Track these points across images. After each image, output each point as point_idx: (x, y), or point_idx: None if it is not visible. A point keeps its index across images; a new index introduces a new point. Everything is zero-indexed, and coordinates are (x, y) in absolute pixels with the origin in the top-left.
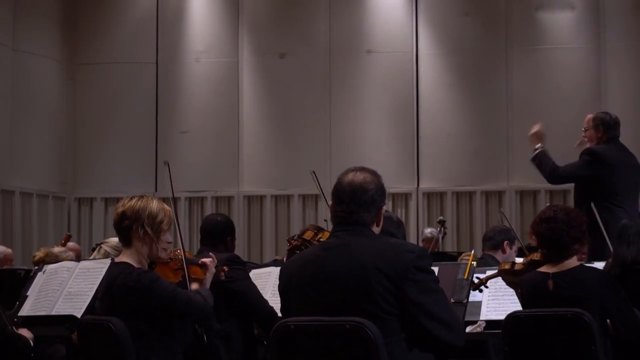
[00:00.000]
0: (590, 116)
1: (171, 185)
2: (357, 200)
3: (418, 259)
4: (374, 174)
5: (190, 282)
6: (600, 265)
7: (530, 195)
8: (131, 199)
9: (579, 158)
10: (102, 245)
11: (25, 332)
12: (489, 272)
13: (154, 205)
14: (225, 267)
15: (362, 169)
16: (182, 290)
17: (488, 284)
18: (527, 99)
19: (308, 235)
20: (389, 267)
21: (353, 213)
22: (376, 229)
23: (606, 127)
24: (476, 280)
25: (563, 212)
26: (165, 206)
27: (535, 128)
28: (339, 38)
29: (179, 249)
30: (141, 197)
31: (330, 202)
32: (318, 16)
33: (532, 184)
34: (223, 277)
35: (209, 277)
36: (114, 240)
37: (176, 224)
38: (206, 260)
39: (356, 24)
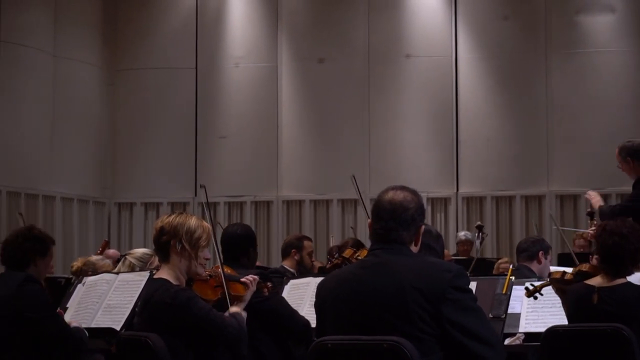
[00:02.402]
0: (616, 150)
1: (208, 209)
2: (397, 219)
3: (455, 278)
4: (414, 193)
5: (230, 300)
6: None
7: (570, 200)
8: (170, 215)
9: (633, 188)
10: (127, 257)
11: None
12: (538, 282)
13: (193, 221)
14: (269, 283)
15: (403, 188)
16: (217, 312)
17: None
18: (566, 103)
19: (347, 253)
20: (426, 287)
21: (392, 231)
22: (414, 249)
23: (633, 155)
24: (531, 287)
25: (636, 233)
26: (204, 223)
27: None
28: (378, 43)
29: (218, 266)
30: (180, 213)
31: (369, 219)
32: (357, 21)
33: (573, 188)
34: (267, 293)
35: (248, 295)
36: (140, 251)
37: (214, 242)
38: (249, 277)
39: (395, 28)
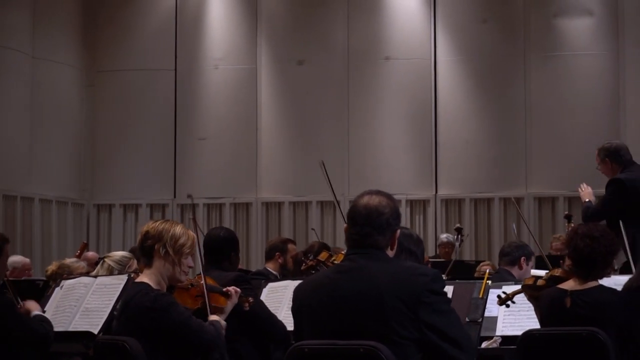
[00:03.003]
0: (595, 152)
1: (194, 218)
2: (372, 223)
3: (432, 282)
4: (389, 197)
5: (210, 310)
6: (623, 278)
7: (548, 202)
8: (156, 220)
9: (605, 189)
10: (106, 260)
11: (33, 306)
12: (508, 288)
13: (178, 228)
14: (250, 299)
15: (378, 192)
16: (196, 319)
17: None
18: (545, 105)
19: (323, 256)
20: (403, 291)
21: (368, 236)
22: (390, 253)
23: (611, 157)
24: (503, 295)
25: (608, 237)
26: (190, 232)
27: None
28: (357, 45)
29: (200, 276)
30: (167, 220)
31: (345, 224)
32: (336, 23)
33: (551, 190)
34: (247, 308)
35: (229, 307)
36: (118, 254)
37: (199, 252)
38: (230, 289)
39: (374, 30)
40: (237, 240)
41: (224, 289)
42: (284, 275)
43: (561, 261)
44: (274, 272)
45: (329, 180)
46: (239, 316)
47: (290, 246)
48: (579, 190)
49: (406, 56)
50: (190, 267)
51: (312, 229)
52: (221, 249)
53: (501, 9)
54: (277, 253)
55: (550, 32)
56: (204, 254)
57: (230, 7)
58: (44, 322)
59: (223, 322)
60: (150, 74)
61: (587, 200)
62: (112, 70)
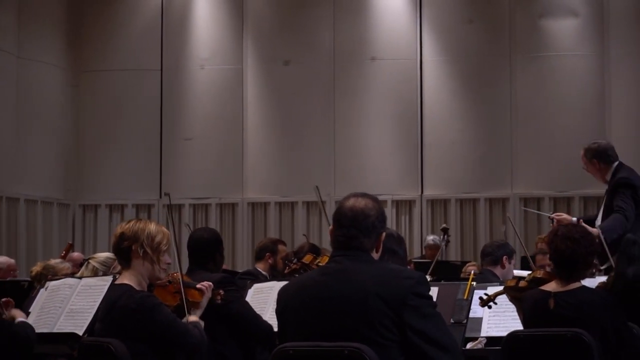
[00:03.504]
0: (582, 152)
1: (171, 215)
2: (358, 226)
3: (417, 285)
4: (375, 200)
5: (187, 306)
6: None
7: (534, 202)
8: (129, 221)
9: (614, 192)
10: (90, 261)
11: (18, 313)
12: (493, 289)
13: (153, 226)
14: (221, 291)
15: (364, 195)
16: (180, 321)
17: (496, 300)
18: (530, 106)
19: (307, 259)
20: (388, 294)
21: (353, 238)
22: (375, 255)
23: (598, 157)
24: (485, 297)
25: (588, 238)
26: (164, 228)
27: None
28: (343, 45)
29: (177, 272)
30: (139, 219)
31: (330, 226)
32: (322, 24)
33: (536, 190)
34: (219, 301)
35: (205, 301)
36: (103, 255)
37: (175, 248)
38: (204, 283)
39: (360, 31)
40: (221, 241)
41: (198, 285)
42: (274, 275)
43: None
44: (264, 273)
45: (322, 204)
46: (225, 316)
47: (280, 247)
48: (555, 219)
49: (392, 57)
50: (168, 263)
51: (304, 234)
52: (205, 250)
53: (487, 9)
54: (267, 254)
55: (536, 32)
56: (189, 255)
57: (216, 7)
58: (27, 327)
59: (201, 322)
60: (136, 74)
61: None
62: (97, 70)
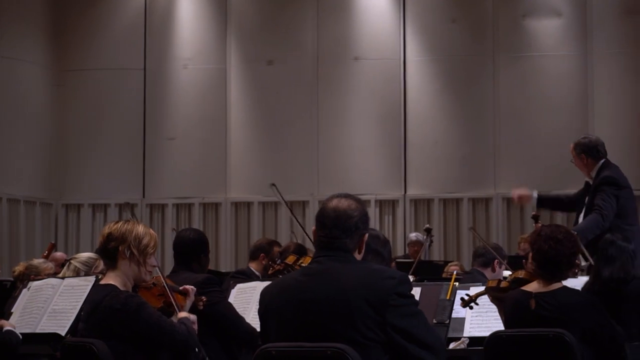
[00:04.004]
0: (571, 146)
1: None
2: (341, 226)
3: (399, 284)
4: (358, 201)
5: (177, 304)
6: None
7: None
8: (117, 222)
9: (597, 190)
10: (72, 261)
11: (7, 324)
12: (476, 289)
13: (140, 228)
14: (203, 298)
15: (347, 196)
16: (167, 319)
17: (477, 300)
18: (513, 106)
19: (290, 259)
20: (370, 294)
21: (336, 239)
22: (358, 256)
23: (587, 152)
24: (466, 297)
25: (571, 238)
26: (151, 230)
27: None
28: (327, 45)
29: (159, 275)
30: (127, 221)
31: (313, 227)
32: (306, 23)
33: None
34: (201, 307)
35: (188, 304)
36: (85, 255)
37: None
38: (187, 287)
39: (344, 31)
40: (206, 242)
41: (181, 288)
42: (266, 277)
43: (523, 260)
44: (257, 273)
45: (285, 200)
46: (208, 316)
47: (275, 249)
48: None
49: (375, 56)
50: (154, 266)
51: (292, 232)
52: (190, 251)
53: (470, 9)
54: (261, 254)
55: (519, 32)
56: (174, 255)
57: (200, 7)
58: (12, 335)
59: (192, 316)
60: (119, 73)
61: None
62: (81, 70)
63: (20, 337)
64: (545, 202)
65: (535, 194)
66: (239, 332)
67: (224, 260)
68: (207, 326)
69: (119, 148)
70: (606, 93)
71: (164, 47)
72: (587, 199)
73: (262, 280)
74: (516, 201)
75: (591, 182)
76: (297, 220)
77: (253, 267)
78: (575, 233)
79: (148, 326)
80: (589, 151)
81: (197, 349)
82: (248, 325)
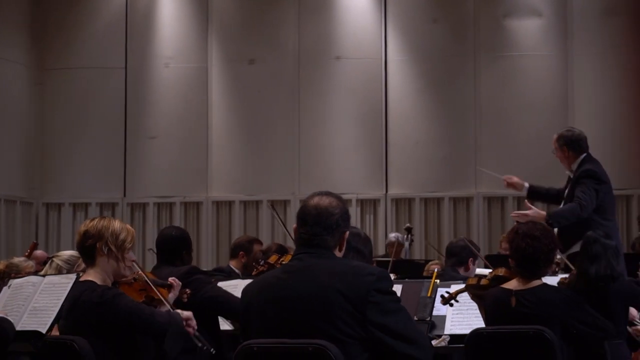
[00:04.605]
0: (554, 137)
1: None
2: (322, 223)
3: (378, 281)
4: (339, 199)
5: (156, 303)
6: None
7: (497, 202)
8: (93, 219)
9: (577, 182)
10: (54, 259)
11: None
12: (456, 287)
13: (117, 224)
14: (187, 290)
15: (328, 194)
16: (146, 306)
17: (457, 298)
18: (494, 105)
19: (272, 259)
20: (350, 291)
21: (317, 236)
22: (339, 254)
23: (570, 145)
24: (446, 295)
25: (548, 235)
26: (128, 226)
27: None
28: (308, 44)
29: (139, 270)
30: (103, 217)
31: (294, 225)
32: (287, 23)
33: (500, 190)
34: (185, 300)
35: (172, 298)
36: (67, 253)
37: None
38: (172, 280)
39: (325, 30)
40: (189, 240)
41: (167, 281)
42: (246, 275)
43: (510, 259)
44: (237, 270)
45: (283, 222)
46: (195, 303)
47: (255, 247)
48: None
49: (357, 56)
50: (132, 260)
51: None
52: (174, 248)
53: (451, 9)
54: (241, 252)
55: (500, 32)
56: (157, 253)
57: (181, 6)
58: (4, 322)
59: (186, 313)
60: (101, 72)
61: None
62: (62, 68)
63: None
64: (536, 194)
65: (527, 184)
66: (232, 308)
67: (205, 259)
68: (195, 313)
69: (100, 147)
70: (586, 93)
71: (146, 46)
72: (567, 191)
73: (243, 278)
74: (505, 185)
75: (571, 176)
76: (287, 231)
77: (233, 264)
78: (548, 217)
79: (127, 314)
80: (572, 144)
81: (200, 344)
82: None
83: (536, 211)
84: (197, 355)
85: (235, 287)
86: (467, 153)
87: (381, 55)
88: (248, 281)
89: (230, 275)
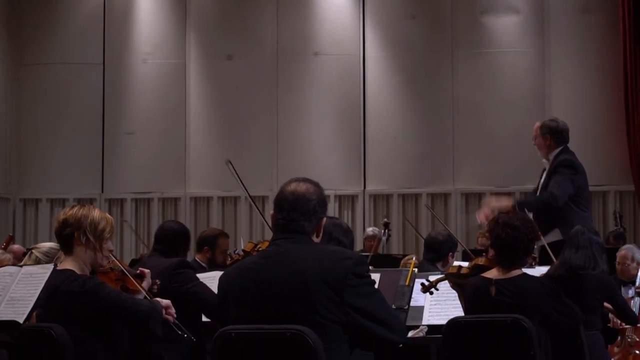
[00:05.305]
0: (537, 124)
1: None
2: (299, 209)
3: (355, 265)
4: (316, 185)
5: (131, 292)
6: (544, 269)
7: (475, 197)
8: (72, 207)
9: (554, 172)
10: (33, 251)
11: None
12: (435, 277)
13: (96, 213)
14: (157, 281)
15: (305, 180)
16: (126, 295)
17: (437, 287)
18: (471, 102)
19: (248, 247)
20: (328, 275)
21: (294, 221)
22: (316, 240)
23: (553, 134)
24: (426, 283)
25: (528, 225)
26: (107, 215)
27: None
28: (287, 40)
29: (115, 259)
30: (83, 205)
31: (272, 211)
32: (265, 19)
33: (477, 186)
34: (155, 291)
35: (145, 286)
36: (46, 245)
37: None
38: (143, 270)
39: (303, 26)
40: (189, 237)
41: (138, 271)
42: (212, 268)
43: (483, 254)
44: (203, 264)
45: (240, 179)
46: (179, 297)
47: (221, 240)
48: (489, 204)
49: (335, 52)
50: (110, 250)
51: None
52: (172, 242)
53: (429, 5)
54: (205, 247)
55: (477, 29)
56: (154, 243)
57: (159, 1)
58: None
59: (164, 301)
60: (78, 67)
61: (510, 203)
62: (39, 64)
63: None
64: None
65: (513, 202)
66: (215, 307)
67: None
68: (178, 309)
69: (78, 142)
70: (563, 89)
71: (123, 42)
72: (542, 180)
73: (220, 269)
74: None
75: (547, 165)
76: (254, 203)
77: (199, 258)
78: (518, 206)
79: (108, 303)
80: (555, 133)
81: (180, 332)
82: None
83: (499, 199)
84: (178, 344)
85: (214, 279)
86: (445, 149)
87: (359, 51)
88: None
89: (195, 269)
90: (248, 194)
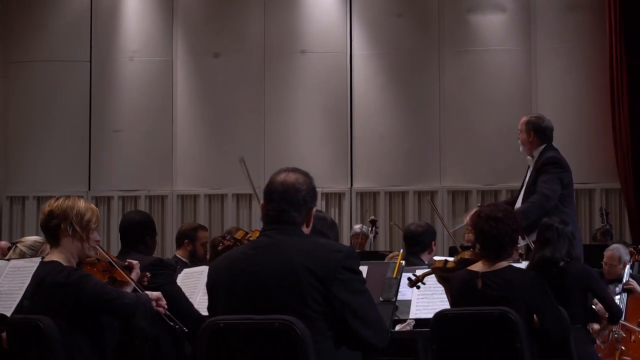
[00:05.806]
0: (524, 119)
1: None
2: (289, 200)
3: (346, 258)
4: (306, 175)
5: (119, 282)
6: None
7: (462, 195)
8: (58, 198)
9: (540, 170)
10: (18, 245)
11: None
12: (421, 270)
13: (82, 204)
14: (148, 274)
15: (295, 170)
16: (112, 287)
17: (424, 280)
18: (458, 100)
19: (239, 234)
20: (317, 267)
21: (284, 212)
22: (306, 230)
23: (537, 131)
24: (413, 278)
25: (510, 216)
26: (93, 206)
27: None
28: (273, 38)
29: (102, 251)
30: (68, 197)
31: (261, 201)
32: (252, 16)
33: (464, 184)
34: (146, 283)
35: (135, 278)
36: (31, 239)
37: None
38: (131, 261)
39: (290, 24)
40: (152, 224)
41: (126, 262)
42: (194, 262)
43: (471, 249)
44: (184, 260)
45: (250, 178)
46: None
47: (200, 233)
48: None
49: (322, 50)
50: (97, 241)
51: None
52: (136, 232)
53: (416, 3)
54: (186, 240)
55: (464, 27)
56: (120, 237)
57: None
58: None
59: (154, 293)
60: (65, 65)
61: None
62: (25, 61)
63: None
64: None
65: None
66: (187, 317)
67: (170, 253)
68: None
69: (65, 140)
70: (549, 87)
71: (110, 40)
72: (527, 178)
73: (207, 264)
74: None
75: (531, 162)
76: (257, 197)
77: (179, 254)
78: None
79: (92, 295)
80: (539, 131)
81: (172, 323)
82: (196, 312)
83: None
84: (171, 335)
85: (201, 273)
86: (432, 147)
87: (346, 49)
88: None
89: (176, 266)
90: (255, 193)
